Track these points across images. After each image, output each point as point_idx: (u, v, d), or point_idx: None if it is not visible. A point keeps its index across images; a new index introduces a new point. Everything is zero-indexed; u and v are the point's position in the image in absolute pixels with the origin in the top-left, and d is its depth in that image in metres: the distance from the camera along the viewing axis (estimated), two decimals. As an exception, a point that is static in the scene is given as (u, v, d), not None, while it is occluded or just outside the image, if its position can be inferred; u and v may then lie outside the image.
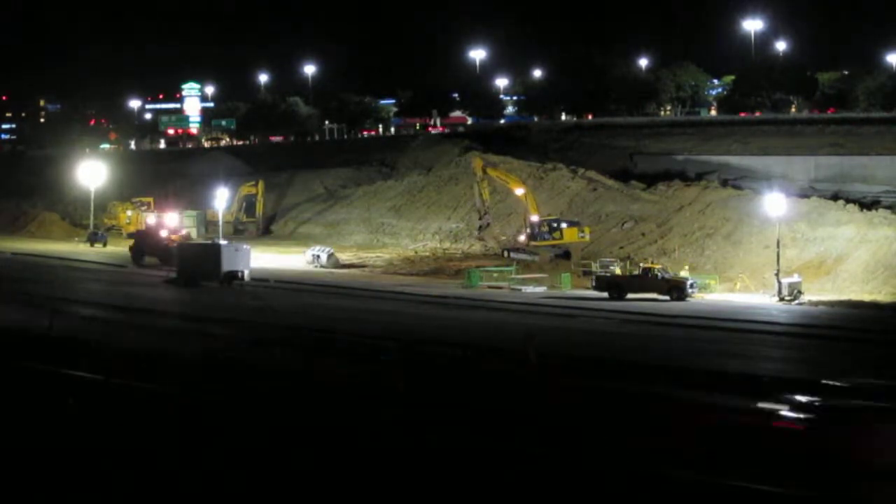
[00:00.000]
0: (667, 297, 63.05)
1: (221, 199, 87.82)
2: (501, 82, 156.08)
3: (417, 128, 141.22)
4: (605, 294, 64.61)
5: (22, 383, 30.96)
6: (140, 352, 36.49)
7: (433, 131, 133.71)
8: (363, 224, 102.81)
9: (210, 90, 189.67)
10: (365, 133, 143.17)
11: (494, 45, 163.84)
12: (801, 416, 26.43)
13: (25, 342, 38.27)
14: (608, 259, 75.23)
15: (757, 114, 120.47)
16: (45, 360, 33.88)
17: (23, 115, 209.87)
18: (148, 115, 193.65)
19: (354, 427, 26.00)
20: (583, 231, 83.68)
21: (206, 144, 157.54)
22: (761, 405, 29.10)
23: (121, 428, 25.88)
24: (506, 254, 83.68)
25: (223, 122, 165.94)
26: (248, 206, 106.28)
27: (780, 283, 64.30)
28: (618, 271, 68.91)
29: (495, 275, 73.09)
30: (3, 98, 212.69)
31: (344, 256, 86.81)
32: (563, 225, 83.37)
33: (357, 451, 23.93)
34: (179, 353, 36.84)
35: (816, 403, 27.85)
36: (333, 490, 21.73)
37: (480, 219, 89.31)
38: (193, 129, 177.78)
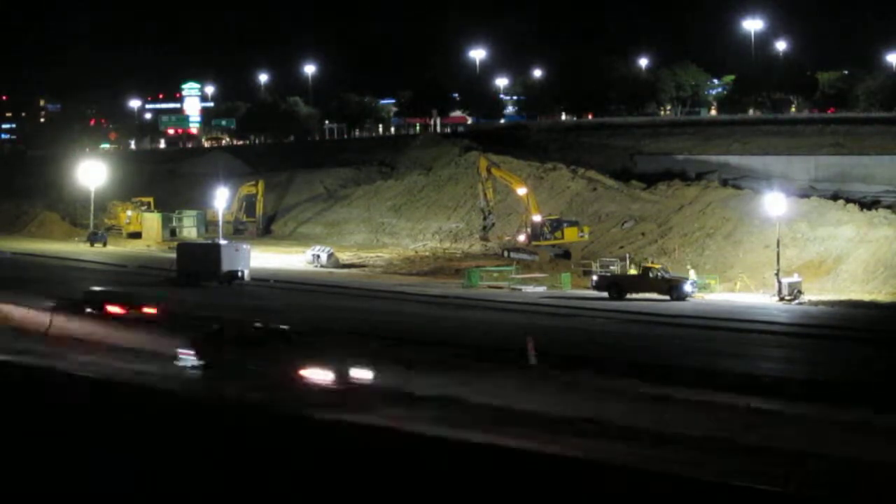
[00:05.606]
0: (667, 297, 63.09)
1: (221, 199, 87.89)
2: (501, 82, 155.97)
3: (417, 128, 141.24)
4: (605, 294, 64.64)
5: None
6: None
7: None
8: (363, 224, 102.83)
9: (210, 90, 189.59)
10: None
11: (494, 45, 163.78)
12: None
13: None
14: (608, 259, 75.30)
15: (757, 113, 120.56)
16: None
17: (23, 115, 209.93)
18: (148, 115, 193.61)
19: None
20: (583, 231, 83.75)
21: (206, 144, 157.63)
22: None
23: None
24: (506, 254, 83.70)
25: (223, 122, 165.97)
26: (248, 205, 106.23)
27: (780, 282, 64.32)
28: (617, 270, 68.95)
29: (495, 275, 73.12)
30: (3, 98, 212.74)
31: (344, 256, 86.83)
32: (564, 224, 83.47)
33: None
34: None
35: None
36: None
37: (485, 219, 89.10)
38: (193, 129, 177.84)
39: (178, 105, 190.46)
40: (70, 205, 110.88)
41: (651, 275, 64.66)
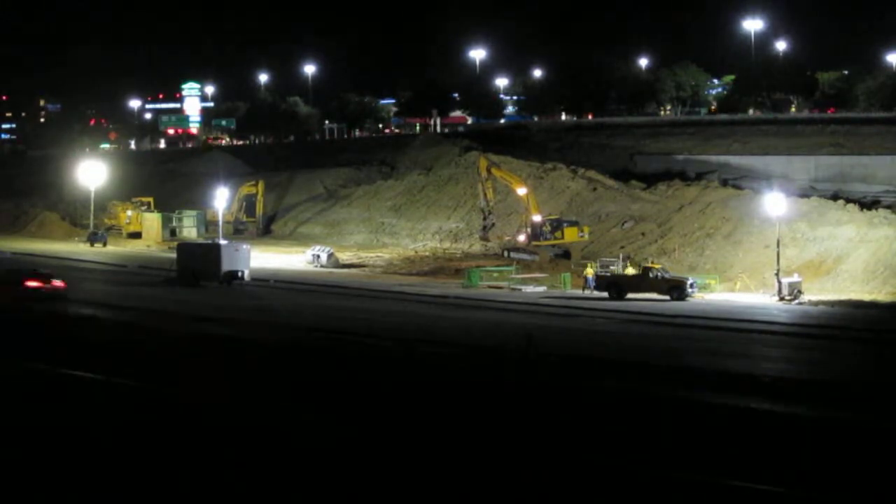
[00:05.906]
0: (667, 297, 63.08)
1: (221, 199, 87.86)
2: (501, 82, 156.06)
3: (417, 128, 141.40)
4: (605, 294, 64.64)
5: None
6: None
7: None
8: (363, 224, 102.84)
9: (210, 90, 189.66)
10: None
11: (494, 45, 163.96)
12: None
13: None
14: (609, 258, 75.31)
15: (757, 113, 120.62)
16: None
17: (23, 115, 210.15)
18: (148, 115, 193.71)
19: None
20: (583, 231, 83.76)
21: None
22: None
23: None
24: (506, 254, 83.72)
25: (223, 122, 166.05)
26: (248, 206, 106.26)
27: (780, 282, 64.31)
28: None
29: (495, 275, 73.12)
30: (3, 98, 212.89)
31: (344, 256, 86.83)
32: (564, 224, 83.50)
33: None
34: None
35: None
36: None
37: (485, 219, 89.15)
38: (193, 129, 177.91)
39: (178, 105, 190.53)
40: (70, 205, 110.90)
41: (651, 275, 64.66)
